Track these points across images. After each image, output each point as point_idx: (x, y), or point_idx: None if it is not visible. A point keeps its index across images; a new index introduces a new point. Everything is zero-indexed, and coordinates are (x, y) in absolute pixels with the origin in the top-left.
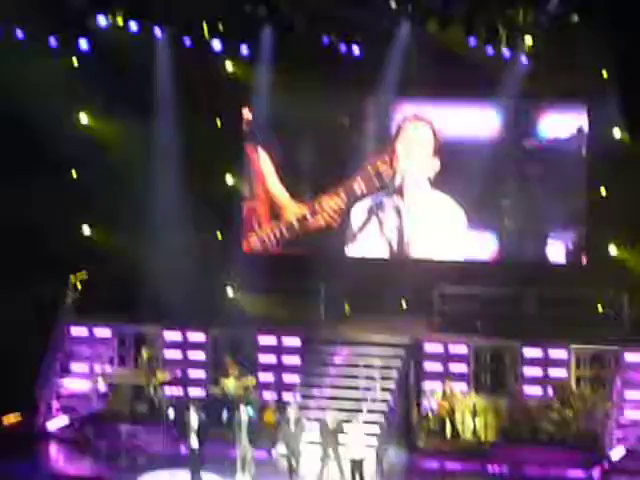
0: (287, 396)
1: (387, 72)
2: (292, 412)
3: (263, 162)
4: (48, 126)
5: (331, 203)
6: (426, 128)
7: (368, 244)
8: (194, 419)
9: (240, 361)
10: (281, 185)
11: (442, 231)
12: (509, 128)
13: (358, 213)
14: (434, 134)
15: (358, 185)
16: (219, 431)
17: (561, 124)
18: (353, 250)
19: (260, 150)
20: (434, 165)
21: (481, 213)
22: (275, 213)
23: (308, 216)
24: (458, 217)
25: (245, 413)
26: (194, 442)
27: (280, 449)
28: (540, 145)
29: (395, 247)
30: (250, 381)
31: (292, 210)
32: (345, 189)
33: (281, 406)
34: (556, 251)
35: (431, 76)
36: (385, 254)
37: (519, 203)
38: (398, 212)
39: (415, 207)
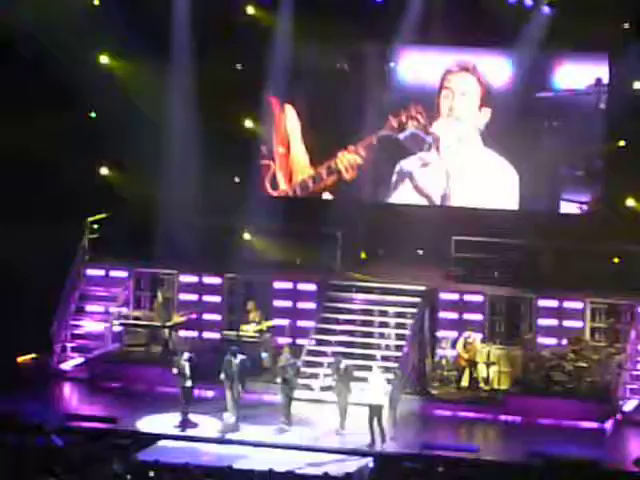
0: (301, 341)
1: (407, 19)
2: (286, 356)
3: (289, 121)
4: (69, 66)
5: (349, 158)
6: (471, 77)
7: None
8: (186, 363)
9: (255, 306)
10: (303, 146)
11: (489, 184)
12: (522, 79)
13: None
14: (480, 82)
15: (377, 140)
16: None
17: (577, 75)
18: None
19: (287, 107)
20: (484, 116)
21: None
22: (290, 175)
23: (324, 175)
24: (509, 171)
25: (234, 357)
26: (188, 382)
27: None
28: (554, 97)
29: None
30: (266, 325)
31: (307, 172)
32: (364, 145)
33: (295, 350)
34: (571, 205)
35: (450, 24)
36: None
37: (534, 156)
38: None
39: (459, 162)
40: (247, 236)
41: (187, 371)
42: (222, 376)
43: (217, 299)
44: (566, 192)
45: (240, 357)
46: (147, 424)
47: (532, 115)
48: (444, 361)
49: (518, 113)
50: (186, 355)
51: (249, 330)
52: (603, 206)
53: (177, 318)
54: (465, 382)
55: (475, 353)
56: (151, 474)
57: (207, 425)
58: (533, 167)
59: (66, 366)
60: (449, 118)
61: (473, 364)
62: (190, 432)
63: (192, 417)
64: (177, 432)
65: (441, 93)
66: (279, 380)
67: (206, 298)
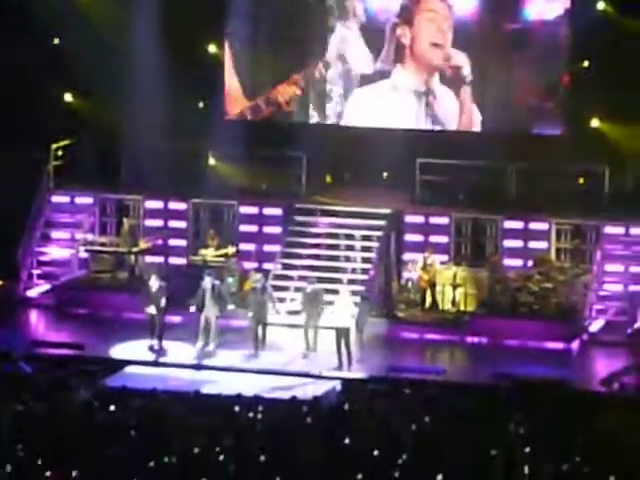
0: (268, 266)
1: None
2: (256, 279)
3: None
4: None
5: (288, 90)
6: (442, 5)
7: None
8: (155, 286)
9: (221, 231)
10: (236, 78)
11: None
12: (490, 8)
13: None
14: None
15: (319, 71)
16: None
17: (546, 6)
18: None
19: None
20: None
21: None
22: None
23: (263, 106)
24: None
25: (209, 281)
26: (152, 309)
27: (249, 317)
28: (523, 28)
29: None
30: (230, 250)
31: (244, 103)
32: (304, 76)
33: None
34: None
35: None
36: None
37: (499, 79)
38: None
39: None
40: (212, 161)
41: (157, 296)
42: (197, 301)
43: (183, 224)
44: (536, 126)
45: (215, 282)
46: (115, 350)
47: (500, 46)
48: (410, 284)
49: (485, 44)
50: (155, 280)
51: (207, 254)
52: (568, 127)
53: (143, 244)
54: (427, 303)
55: (434, 274)
56: (116, 402)
57: (176, 351)
58: (500, 97)
59: (32, 293)
60: (430, 45)
61: (433, 285)
62: (159, 358)
63: (161, 343)
64: (146, 358)
65: (421, 16)
66: (249, 304)
67: (172, 224)
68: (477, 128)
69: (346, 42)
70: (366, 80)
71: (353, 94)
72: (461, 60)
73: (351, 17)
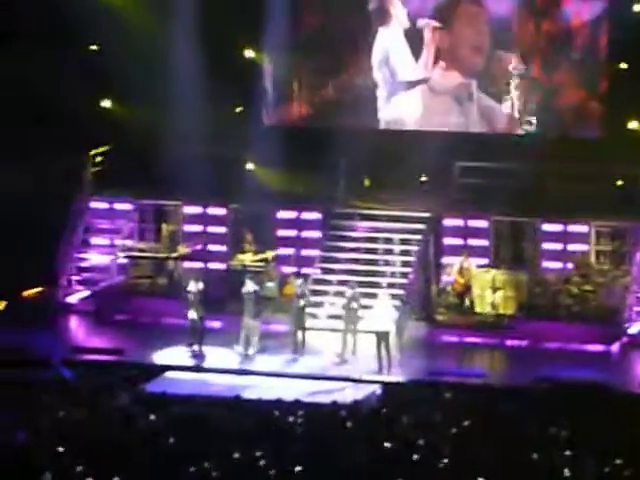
0: (307, 270)
1: None
2: (297, 285)
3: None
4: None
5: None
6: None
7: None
8: (194, 291)
9: (259, 237)
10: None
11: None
12: (528, 10)
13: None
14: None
15: (361, 76)
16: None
17: (584, 6)
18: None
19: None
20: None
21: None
22: None
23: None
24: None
25: (251, 285)
26: (193, 314)
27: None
28: (562, 29)
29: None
30: (268, 255)
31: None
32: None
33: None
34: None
35: None
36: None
37: (537, 81)
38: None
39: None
40: (251, 166)
41: (196, 302)
42: (242, 307)
43: (222, 230)
44: (575, 128)
45: (256, 287)
46: (155, 356)
47: (538, 48)
48: (449, 287)
49: (523, 46)
50: (194, 285)
51: (245, 259)
52: (606, 129)
53: (182, 249)
54: (464, 307)
55: (470, 278)
56: (156, 407)
57: (216, 356)
58: (538, 99)
59: (72, 299)
60: (471, 49)
61: (468, 289)
62: (199, 363)
63: (201, 348)
64: (186, 363)
65: (459, 21)
66: (293, 308)
67: (211, 229)
68: (520, 130)
69: (389, 47)
70: (407, 84)
71: (394, 98)
72: (510, 60)
73: (393, 22)
